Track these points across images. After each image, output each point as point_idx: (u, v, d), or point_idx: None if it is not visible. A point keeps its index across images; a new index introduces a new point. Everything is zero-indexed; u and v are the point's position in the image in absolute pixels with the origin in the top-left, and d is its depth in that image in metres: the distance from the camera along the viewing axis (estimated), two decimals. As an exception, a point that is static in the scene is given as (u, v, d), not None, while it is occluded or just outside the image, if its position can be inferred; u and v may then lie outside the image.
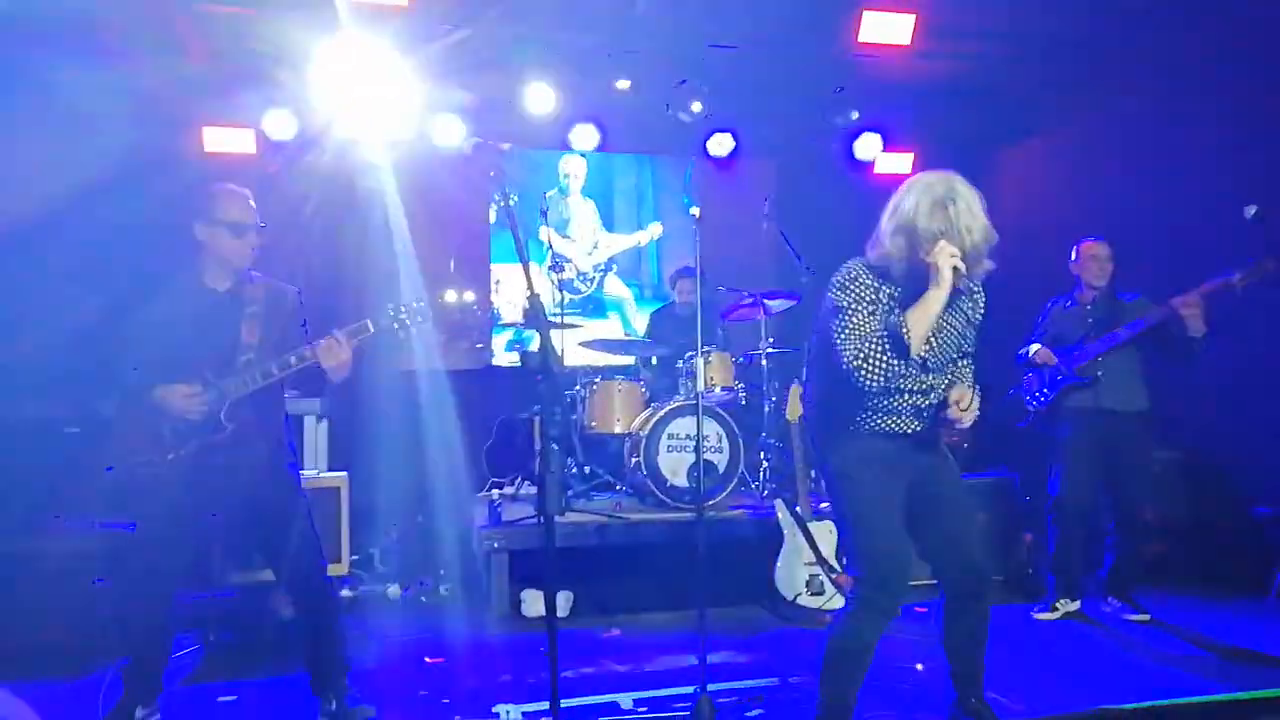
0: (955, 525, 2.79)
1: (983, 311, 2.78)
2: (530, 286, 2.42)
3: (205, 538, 3.94)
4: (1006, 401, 4.58)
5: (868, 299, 2.65)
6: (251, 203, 3.08)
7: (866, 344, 2.60)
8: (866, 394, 2.65)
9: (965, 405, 2.65)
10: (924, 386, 2.69)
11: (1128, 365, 4.23)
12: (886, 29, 5.14)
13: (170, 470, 2.91)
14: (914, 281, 2.61)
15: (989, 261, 2.61)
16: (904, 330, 2.57)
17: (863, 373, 2.58)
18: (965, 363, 2.81)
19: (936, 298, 2.53)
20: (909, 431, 2.73)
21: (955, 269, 2.50)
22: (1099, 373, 4.21)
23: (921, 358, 2.63)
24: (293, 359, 3.00)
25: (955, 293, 2.57)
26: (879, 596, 2.69)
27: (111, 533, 3.90)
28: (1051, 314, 4.51)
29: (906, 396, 2.69)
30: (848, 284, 2.69)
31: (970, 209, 2.54)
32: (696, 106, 5.58)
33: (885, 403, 2.69)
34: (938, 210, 2.54)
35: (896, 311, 2.63)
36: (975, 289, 2.74)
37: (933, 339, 2.64)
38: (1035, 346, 4.40)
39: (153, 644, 3.05)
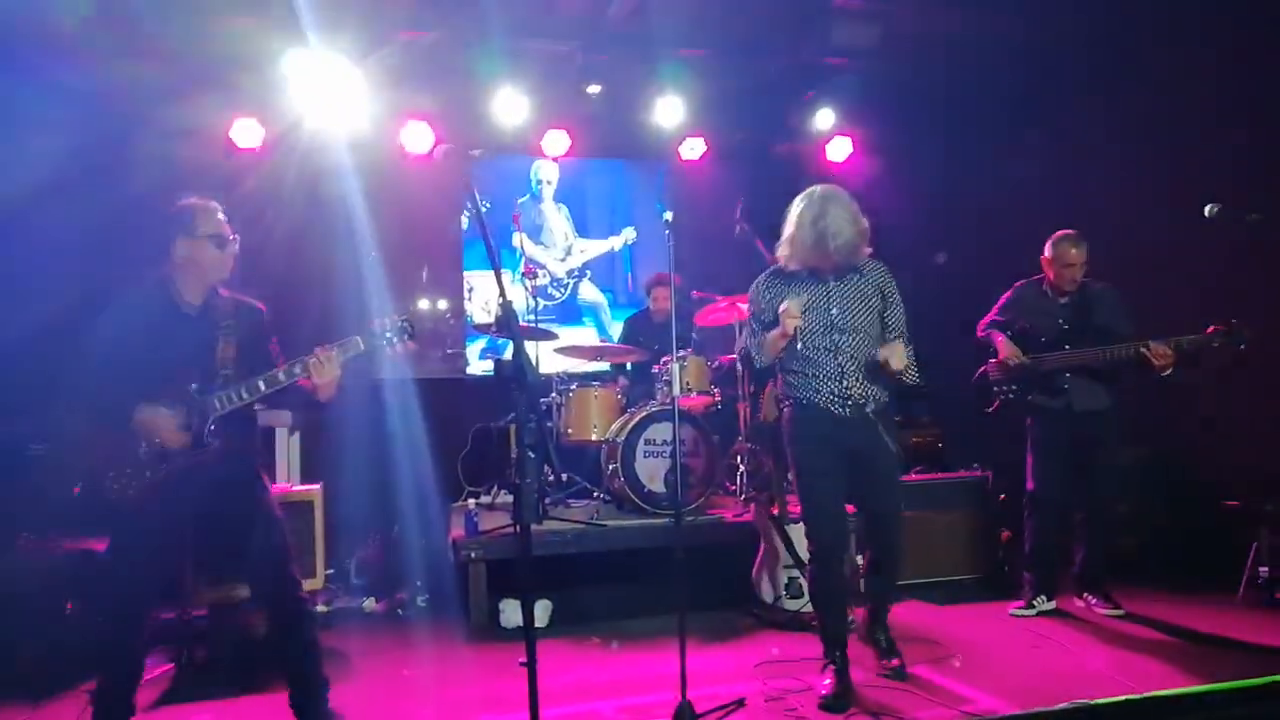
0: (883, 505, 3.49)
1: (881, 280, 3.47)
2: (503, 294, 2.41)
3: (180, 556, 3.87)
4: (974, 387, 4.59)
5: (762, 305, 3.48)
6: (221, 215, 3.06)
7: (754, 339, 3.49)
8: (791, 372, 3.42)
9: (893, 358, 3.24)
10: (834, 363, 3.35)
11: (1092, 369, 4.28)
12: (856, 33, 5.18)
13: (145, 489, 2.84)
14: (810, 278, 3.40)
15: (867, 248, 3.38)
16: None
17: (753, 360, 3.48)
18: (879, 331, 3.43)
19: (774, 338, 3.32)
20: (837, 409, 3.34)
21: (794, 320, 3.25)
22: (1066, 382, 4.26)
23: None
24: (281, 375, 2.94)
25: (845, 271, 3.37)
26: (817, 549, 3.42)
27: (80, 554, 3.83)
28: (1020, 299, 4.49)
29: (821, 376, 3.36)
30: (751, 295, 3.56)
31: (838, 220, 3.26)
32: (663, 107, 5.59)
33: (806, 378, 3.39)
34: (812, 225, 3.28)
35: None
36: (864, 268, 3.44)
37: (818, 316, 3.36)
38: (1006, 346, 4.37)
39: (124, 666, 2.98)
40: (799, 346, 3.34)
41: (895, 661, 3.54)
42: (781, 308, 3.27)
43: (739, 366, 5.15)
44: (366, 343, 3.03)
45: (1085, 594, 4.34)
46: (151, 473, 2.84)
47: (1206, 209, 3.78)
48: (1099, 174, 5.74)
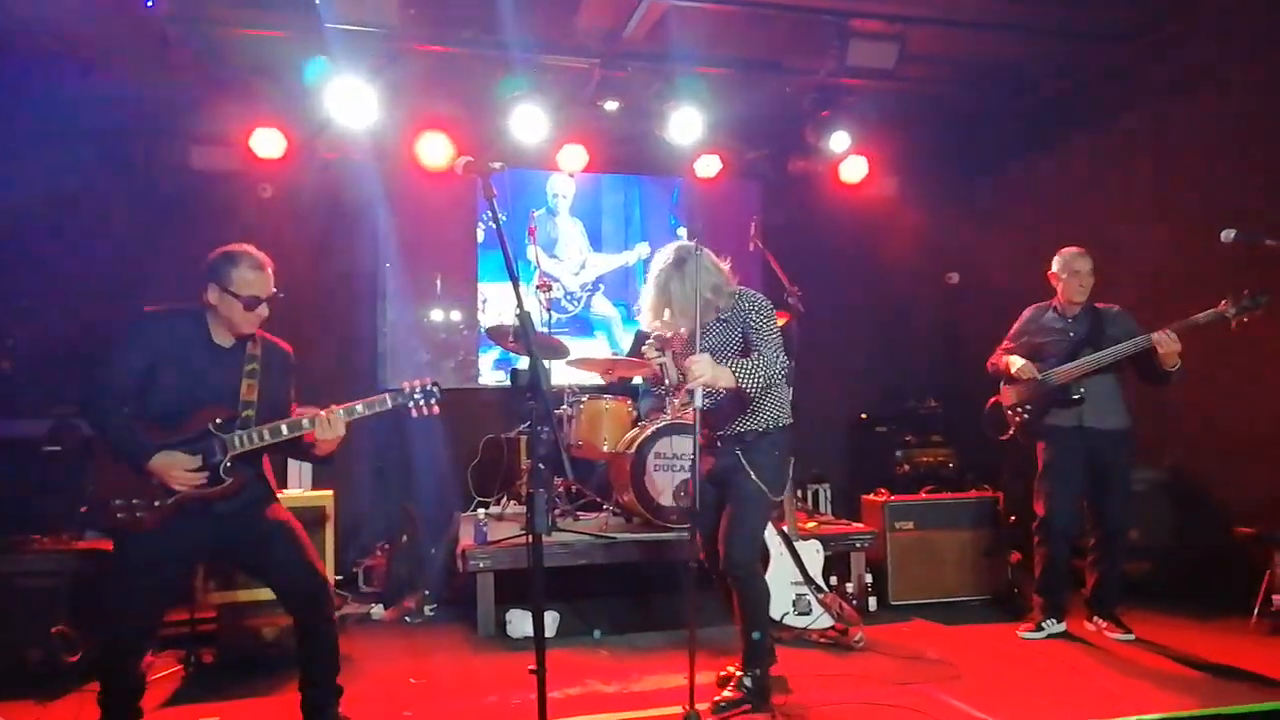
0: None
1: (746, 325, 3.41)
2: (520, 305, 2.43)
3: (187, 581, 3.87)
4: (986, 414, 4.59)
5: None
6: (270, 272, 3.01)
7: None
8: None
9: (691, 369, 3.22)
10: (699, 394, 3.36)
11: (1108, 385, 4.27)
12: (872, 54, 5.21)
13: (155, 518, 2.83)
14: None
15: (723, 301, 3.40)
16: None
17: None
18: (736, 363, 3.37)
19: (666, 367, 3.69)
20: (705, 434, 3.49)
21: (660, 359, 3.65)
22: (1080, 392, 4.24)
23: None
24: (306, 422, 2.97)
25: (712, 324, 3.44)
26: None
27: (89, 556, 3.86)
28: (1030, 322, 4.50)
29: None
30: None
31: (698, 275, 3.27)
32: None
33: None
34: (681, 280, 3.33)
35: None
36: (724, 317, 3.45)
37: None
38: (1018, 362, 4.37)
39: (122, 682, 2.96)
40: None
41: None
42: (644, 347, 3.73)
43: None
44: (394, 401, 3.07)
45: (1095, 618, 4.31)
46: (162, 502, 2.84)
47: (1223, 234, 3.77)
48: (1112, 197, 5.75)
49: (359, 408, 3.02)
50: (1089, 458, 4.26)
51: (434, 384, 3.12)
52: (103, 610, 3.04)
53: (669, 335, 3.55)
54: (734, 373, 3.24)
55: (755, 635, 3.42)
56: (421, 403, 3.10)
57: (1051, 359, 4.33)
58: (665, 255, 3.44)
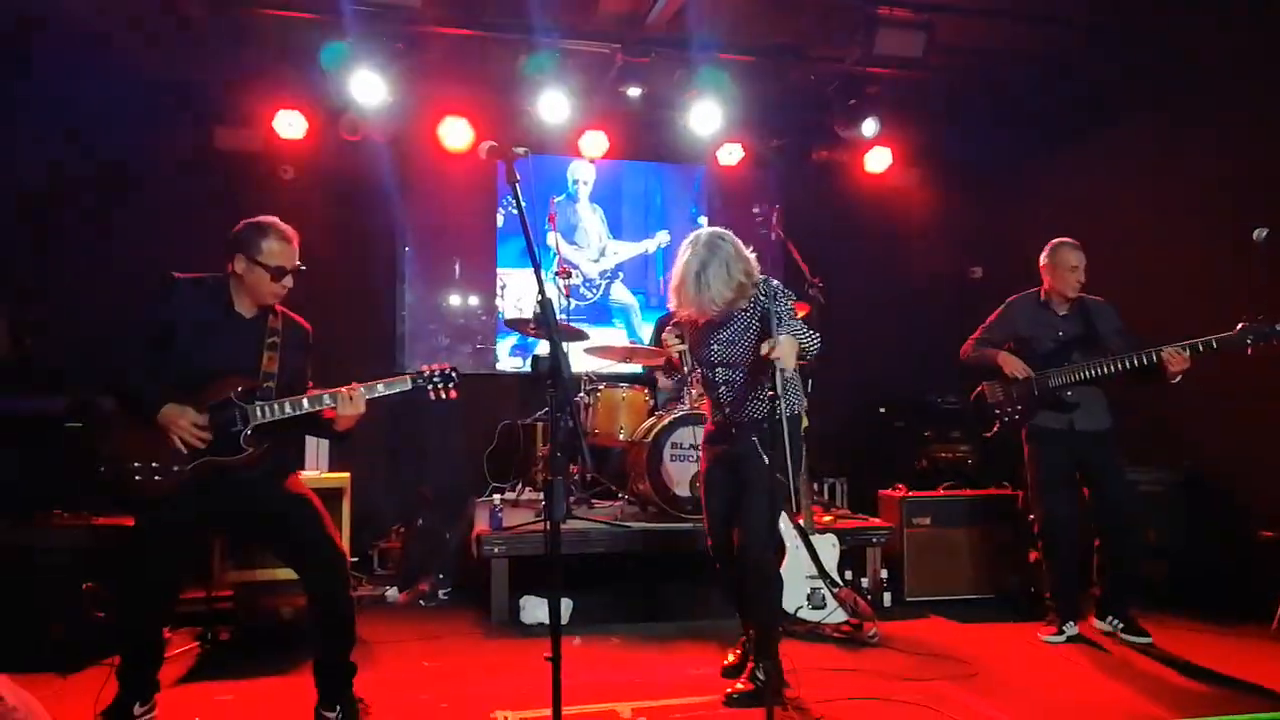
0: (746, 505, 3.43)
1: (766, 312, 3.34)
2: (542, 290, 2.42)
3: (205, 549, 3.92)
4: (972, 409, 4.50)
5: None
6: (296, 245, 3.05)
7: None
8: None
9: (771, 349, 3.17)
10: (717, 380, 3.53)
11: (1095, 388, 4.21)
12: (899, 42, 5.15)
13: (173, 483, 2.87)
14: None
15: (751, 288, 3.37)
16: None
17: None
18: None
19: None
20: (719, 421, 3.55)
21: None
22: (1069, 394, 4.18)
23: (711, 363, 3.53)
24: (327, 398, 3.00)
25: (732, 316, 3.41)
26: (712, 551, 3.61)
27: (109, 531, 3.89)
28: (1014, 314, 4.40)
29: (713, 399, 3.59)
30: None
31: (718, 273, 3.28)
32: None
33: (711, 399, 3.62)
34: (716, 263, 3.29)
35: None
36: (745, 310, 3.43)
37: (707, 350, 3.52)
38: (1013, 362, 4.28)
39: (143, 650, 3.01)
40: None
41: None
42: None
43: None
44: (415, 383, 3.11)
45: (1109, 617, 4.25)
46: (180, 468, 2.87)
47: (1255, 233, 3.70)
48: (1141, 193, 5.66)
49: (380, 387, 3.06)
50: (1078, 459, 4.22)
51: (453, 369, 3.15)
52: (122, 578, 3.06)
53: (692, 320, 3.49)
54: (800, 341, 3.27)
55: (769, 624, 3.41)
56: (440, 386, 3.14)
57: (1039, 356, 4.26)
58: (698, 238, 3.39)
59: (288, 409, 2.97)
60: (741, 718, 3.23)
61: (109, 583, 3.76)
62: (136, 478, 2.84)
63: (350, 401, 3.00)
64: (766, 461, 3.31)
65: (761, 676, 3.34)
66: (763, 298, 3.39)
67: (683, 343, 3.66)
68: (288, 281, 3.03)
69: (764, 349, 3.17)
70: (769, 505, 3.39)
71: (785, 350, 3.13)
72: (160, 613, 3.05)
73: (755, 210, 3.41)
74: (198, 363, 2.92)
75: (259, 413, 2.94)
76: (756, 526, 3.37)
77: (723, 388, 3.49)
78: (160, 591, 3.00)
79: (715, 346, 3.48)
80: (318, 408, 3.01)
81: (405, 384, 3.10)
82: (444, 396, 3.14)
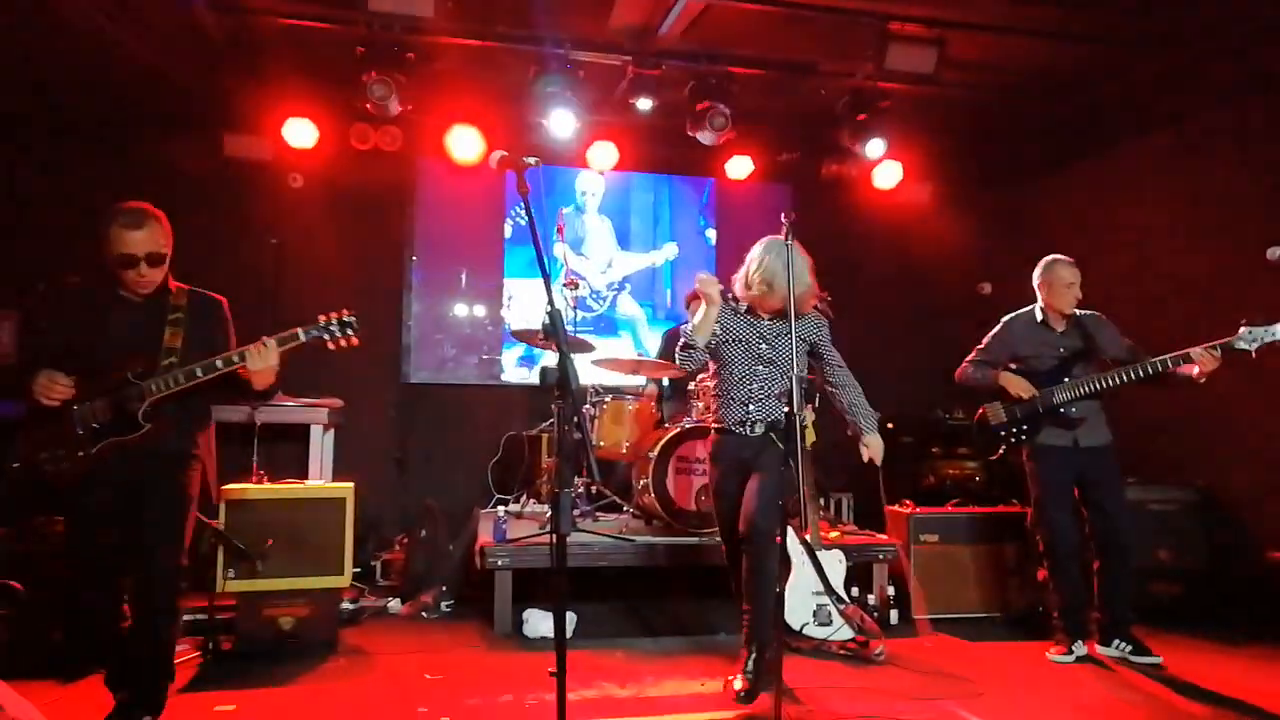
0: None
1: (816, 335, 3.82)
2: (551, 301, 2.40)
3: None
4: (975, 432, 4.46)
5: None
6: (151, 230, 2.97)
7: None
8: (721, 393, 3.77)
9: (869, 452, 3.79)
10: (757, 375, 3.70)
11: (1094, 402, 4.18)
12: (911, 58, 5.14)
13: (79, 467, 2.90)
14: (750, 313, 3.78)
15: (815, 305, 3.83)
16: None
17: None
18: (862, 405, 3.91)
19: (709, 311, 3.61)
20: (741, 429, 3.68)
21: (721, 292, 3.62)
22: (1074, 410, 4.15)
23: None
24: (219, 362, 2.99)
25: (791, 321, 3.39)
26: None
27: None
28: (1011, 333, 4.37)
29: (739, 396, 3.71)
30: None
31: (804, 276, 3.58)
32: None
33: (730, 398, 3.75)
34: (791, 260, 3.41)
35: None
36: (804, 320, 3.75)
37: (757, 346, 3.71)
38: (1017, 382, 4.26)
39: (104, 634, 2.99)
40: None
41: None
42: (700, 279, 3.64)
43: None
44: (307, 334, 3.05)
45: (1114, 642, 4.18)
46: (85, 452, 2.91)
47: (1269, 251, 3.67)
48: (1151, 210, 5.63)
49: (270, 342, 2.99)
50: (1082, 475, 4.18)
51: (351, 315, 3.07)
52: (66, 576, 3.07)
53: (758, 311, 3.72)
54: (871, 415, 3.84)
55: (763, 599, 3.50)
56: (338, 334, 3.06)
57: (1041, 374, 4.24)
58: (787, 242, 3.47)
59: (181, 380, 2.96)
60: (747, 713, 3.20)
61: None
62: (47, 468, 2.90)
63: (261, 355, 2.96)
64: (783, 449, 3.42)
65: (750, 668, 3.49)
66: (815, 317, 3.78)
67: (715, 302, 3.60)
68: (143, 269, 2.96)
69: (864, 454, 3.76)
70: (777, 485, 3.50)
71: (878, 450, 3.77)
72: (102, 596, 3.00)
73: (783, 219, 3.37)
74: (96, 353, 2.96)
75: (154, 387, 2.95)
76: (760, 505, 3.53)
77: (757, 384, 3.69)
78: (95, 573, 2.97)
79: (764, 346, 3.70)
80: (213, 374, 2.98)
81: (297, 336, 3.02)
82: (343, 345, 3.07)
